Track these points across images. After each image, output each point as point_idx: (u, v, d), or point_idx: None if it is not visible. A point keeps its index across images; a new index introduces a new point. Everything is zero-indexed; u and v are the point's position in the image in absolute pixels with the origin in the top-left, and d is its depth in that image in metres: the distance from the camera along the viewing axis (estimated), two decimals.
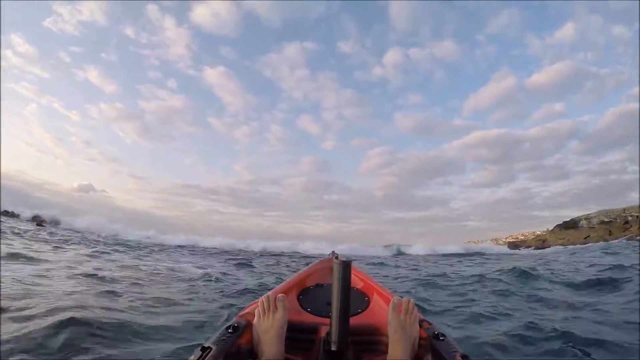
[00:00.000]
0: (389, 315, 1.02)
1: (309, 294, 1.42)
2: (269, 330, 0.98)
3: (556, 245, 27.86)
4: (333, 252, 1.99)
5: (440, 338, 1.00)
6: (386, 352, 0.99)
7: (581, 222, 29.43)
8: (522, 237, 44.00)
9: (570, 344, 2.12)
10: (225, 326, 1.01)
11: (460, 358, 0.91)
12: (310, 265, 1.74)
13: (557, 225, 33.54)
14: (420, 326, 1.05)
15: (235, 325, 1.01)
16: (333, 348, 0.92)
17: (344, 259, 0.94)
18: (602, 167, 65.27)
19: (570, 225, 30.69)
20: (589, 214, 29.37)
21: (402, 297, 1.08)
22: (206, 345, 0.88)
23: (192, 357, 0.83)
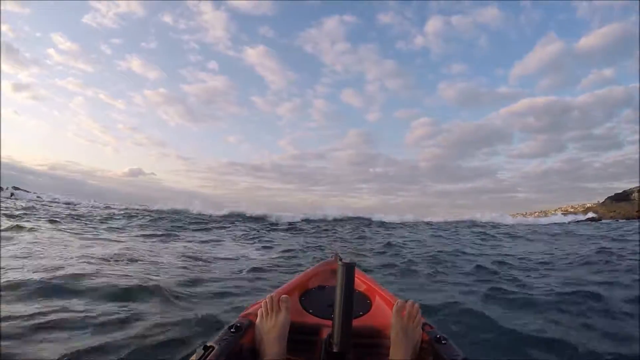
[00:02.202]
0: (392, 318, 1.03)
1: (311, 296, 1.43)
2: (271, 330, 1.00)
3: (607, 219, 27.19)
4: (336, 254, 1.98)
5: (442, 342, 1.00)
6: (388, 355, 0.99)
7: (633, 195, 28.29)
8: (572, 210, 42.54)
9: None
10: (227, 326, 1.01)
11: None
12: (312, 266, 1.75)
13: (608, 197, 32.40)
14: (423, 329, 1.05)
15: (238, 325, 1.02)
16: (335, 350, 0.92)
17: (348, 261, 0.94)
18: None
19: (622, 197, 29.54)
20: None
21: (406, 301, 1.07)
22: (208, 344, 0.88)
23: (195, 356, 0.83)
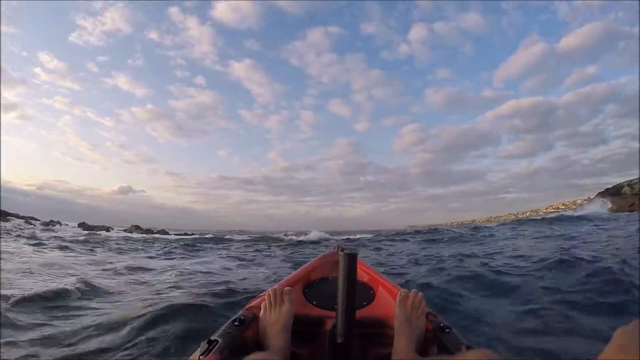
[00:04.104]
0: (396, 308, 1.03)
1: (314, 288, 1.43)
2: (275, 323, 1.00)
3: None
4: (339, 244, 1.95)
5: (446, 330, 1.01)
6: (392, 345, 1.00)
7: (624, 189, 27.92)
8: (563, 207, 42.40)
9: None
10: (231, 319, 1.02)
11: (465, 349, 0.91)
12: (315, 258, 1.76)
13: (599, 192, 32.09)
14: (427, 319, 1.06)
15: (242, 318, 1.02)
16: (339, 340, 0.93)
17: (350, 252, 0.93)
18: None
19: (613, 192, 29.13)
20: (631, 180, 27.75)
21: (409, 290, 1.08)
22: (212, 338, 0.88)
23: (199, 350, 0.84)
